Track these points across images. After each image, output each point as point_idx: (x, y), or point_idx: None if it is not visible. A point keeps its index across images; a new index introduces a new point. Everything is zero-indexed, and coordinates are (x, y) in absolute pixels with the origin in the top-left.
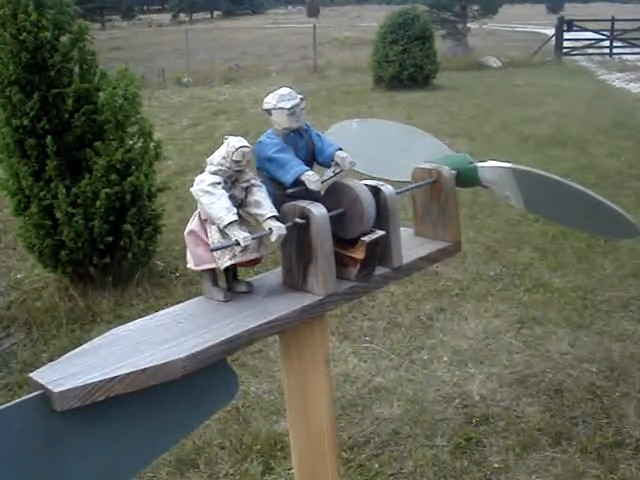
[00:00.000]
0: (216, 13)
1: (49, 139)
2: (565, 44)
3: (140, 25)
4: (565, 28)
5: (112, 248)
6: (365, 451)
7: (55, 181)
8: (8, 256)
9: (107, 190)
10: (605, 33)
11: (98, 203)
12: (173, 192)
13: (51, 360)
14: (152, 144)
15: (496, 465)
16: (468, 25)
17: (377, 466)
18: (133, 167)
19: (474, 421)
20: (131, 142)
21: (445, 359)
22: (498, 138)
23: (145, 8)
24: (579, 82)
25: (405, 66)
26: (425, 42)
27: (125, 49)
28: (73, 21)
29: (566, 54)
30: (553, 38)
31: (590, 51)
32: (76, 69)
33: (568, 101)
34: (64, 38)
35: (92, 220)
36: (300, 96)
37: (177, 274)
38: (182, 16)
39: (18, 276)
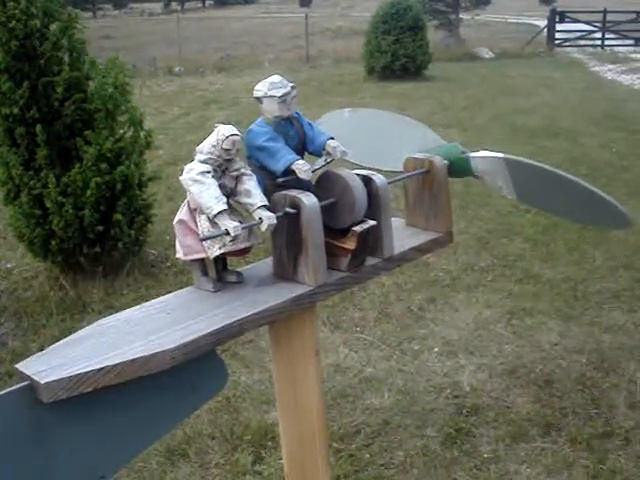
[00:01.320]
0: (208, 2)
1: (39, 128)
2: (557, 35)
3: (132, 14)
4: (557, 19)
5: (102, 238)
6: (356, 441)
7: (45, 170)
8: None
9: (97, 179)
10: (597, 25)
11: (88, 192)
12: (164, 182)
13: (41, 350)
14: (142, 133)
15: (486, 455)
16: (461, 16)
17: (368, 456)
18: (123, 156)
19: (464, 411)
20: (121, 131)
21: (436, 350)
22: (490, 129)
23: None
24: (571, 74)
25: (397, 56)
26: (417, 33)
27: (116, 38)
28: (63, 9)
29: (558, 45)
30: (545, 29)
31: (582, 43)
32: (66, 57)
33: (560, 93)
34: (54, 26)
35: (82, 209)
36: (291, 84)
37: (168, 264)
38: (174, 5)
39: (8, 265)
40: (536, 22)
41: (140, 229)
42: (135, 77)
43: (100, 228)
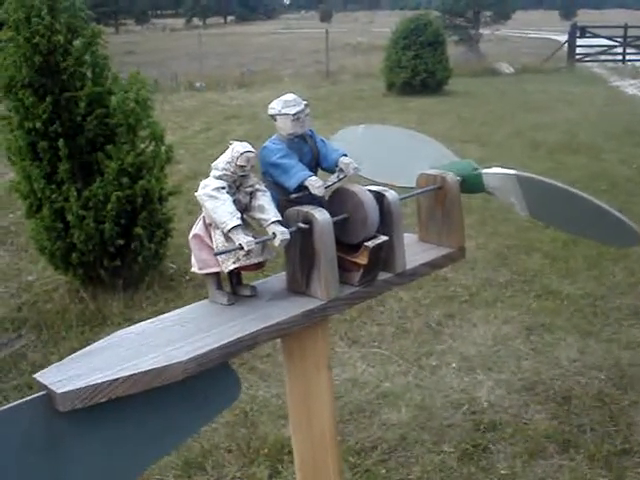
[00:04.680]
0: (229, 18)
1: (61, 142)
2: (578, 50)
3: (154, 29)
4: (578, 34)
5: (123, 251)
6: (372, 456)
7: (67, 184)
8: (20, 258)
9: (118, 193)
10: (618, 40)
11: (109, 206)
12: (184, 196)
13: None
14: (163, 148)
15: (503, 472)
16: (481, 31)
17: (384, 471)
18: (144, 171)
19: (482, 427)
20: (142, 146)
21: (454, 365)
22: (510, 144)
23: (159, 12)
24: (591, 89)
25: (417, 72)
26: (437, 48)
27: (139, 53)
28: (86, 25)
29: (579, 61)
30: (566, 44)
31: (603, 58)
32: (89, 73)
33: (580, 108)
34: (77, 42)
35: (103, 223)
36: (305, 102)
37: (187, 277)
38: (195, 20)
39: (29, 278)
40: (557, 37)
41: (160, 243)
42: (157, 92)
43: (120, 242)
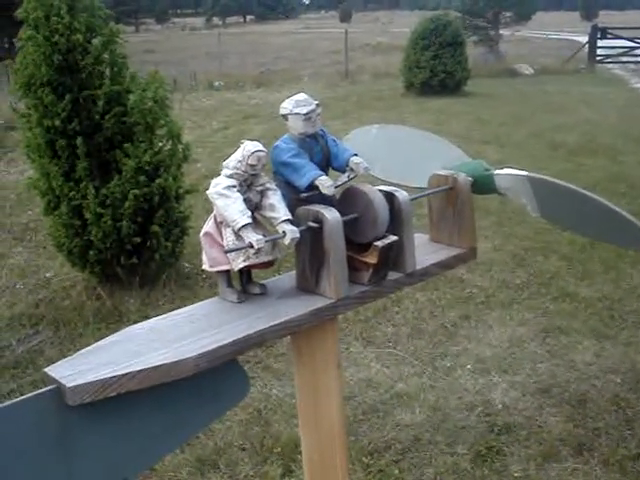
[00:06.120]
0: (249, 17)
1: (80, 140)
2: (598, 52)
3: (173, 28)
4: (599, 36)
5: (140, 249)
6: (385, 457)
7: (85, 182)
8: (38, 255)
9: (136, 191)
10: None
11: (126, 204)
12: (201, 194)
13: None
14: (180, 147)
15: (516, 474)
16: (500, 32)
17: (397, 472)
18: (162, 169)
19: (496, 430)
20: (160, 144)
21: (468, 367)
22: (528, 146)
23: (179, 12)
24: (612, 90)
25: (436, 72)
26: (456, 48)
27: (158, 52)
28: (105, 24)
29: (599, 62)
30: (586, 46)
31: (624, 59)
32: (107, 71)
33: (600, 109)
34: (96, 41)
35: (120, 221)
36: (316, 102)
37: (203, 276)
38: (215, 20)
39: (47, 275)
40: (577, 38)
41: (177, 241)
42: (175, 91)
43: (137, 239)
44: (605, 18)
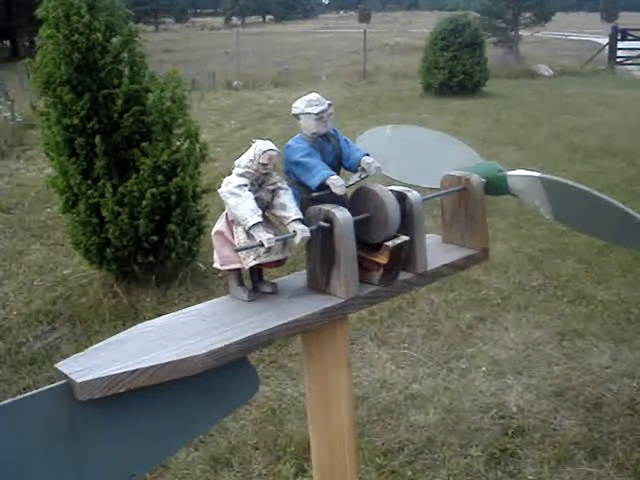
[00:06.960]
0: (268, 17)
1: (98, 139)
2: (619, 53)
3: (193, 28)
4: (619, 37)
5: (156, 247)
6: (399, 458)
7: (103, 180)
8: (55, 252)
9: (153, 190)
10: None
11: (144, 203)
12: (218, 194)
13: None
14: (198, 146)
15: (530, 477)
16: (520, 33)
17: (410, 473)
18: (179, 168)
19: (510, 432)
20: (178, 143)
21: (483, 369)
22: (547, 147)
23: (198, 11)
24: (632, 92)
25: (455, 73)
26: (475, 49)
27: (177, 51)
28: (125, 23)
29: (619, 63)
30: (607, 47)
31: None
32: (126, 70)
33: (620, 111)
34: (115, 40)
35: (137, 219)
36: (328, 102)
37: (219, 275)
38: (234, 19)
39: (64, 272)
40: (597, 40)
41: (193, 240)
42: (194, 90)
43: (154, 238)
44: (626, 19)
